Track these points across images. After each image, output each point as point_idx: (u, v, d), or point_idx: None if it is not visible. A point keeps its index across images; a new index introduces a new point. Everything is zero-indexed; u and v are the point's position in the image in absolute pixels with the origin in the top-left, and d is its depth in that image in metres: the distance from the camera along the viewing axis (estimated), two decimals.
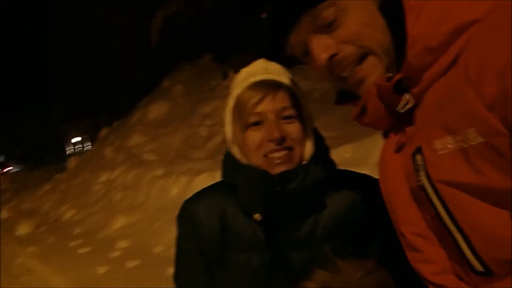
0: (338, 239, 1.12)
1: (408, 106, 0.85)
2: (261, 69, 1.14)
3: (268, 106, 1.08)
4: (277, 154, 1.09)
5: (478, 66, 0.70)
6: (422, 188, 0.81)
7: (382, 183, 0.95)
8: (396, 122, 0.91)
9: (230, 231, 1.15)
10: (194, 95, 10.73)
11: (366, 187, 1.15)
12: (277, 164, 1.09)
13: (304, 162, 1.12)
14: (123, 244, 5.97)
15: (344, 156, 4.26)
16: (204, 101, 9.80)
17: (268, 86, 1.10)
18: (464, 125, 0.71)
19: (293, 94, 1.12)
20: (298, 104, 1.12)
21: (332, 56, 0.86)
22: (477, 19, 0.74)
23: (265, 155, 1.09)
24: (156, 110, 11.37)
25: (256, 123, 1.09)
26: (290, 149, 1.09)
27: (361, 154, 4.01)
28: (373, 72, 0.86)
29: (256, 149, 1.10)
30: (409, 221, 0.89)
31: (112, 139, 12.40)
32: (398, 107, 0.85)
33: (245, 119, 1.10)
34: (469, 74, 0.71)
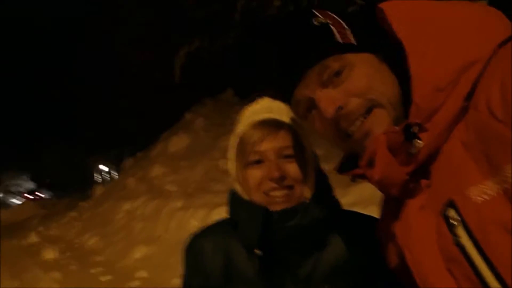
0: (338, 281, 1.11)
1: (420, 146, 0.80)
2: (265, 108, 1.16)
3: (269, 145, 1.10)
4: (277, 193, 1.09)
5: (502, 100, 0.68)
6: (460, 246, 0.74)
7: (406, 251, 0.86)
8: (411, 184, 0.86)
9: (233, 267, 1.16)
10: (215, 129, 10.82)
11: (371, 230, 1.11)
12: (277, 202, 1.10)
13: (304, 201, 1.12)
14: (142, 274, 6.08)
15: (363, 194, 4.21)
16: (225, 135, 9.81)
17: (270, 126, 1.11)
18: (502, 162, 0.68)
19: (295, 133, 1.13)
20: (300, 143, 1.13)
21: (338, 109, 0.85)
22: (480, 58, 0.76)
23: (265, 193, 1.10)
24: (177, 142, 11.47)
25: (257, 162, 1.11)
26: (290, 188, 1.10)
27: (380, 192, 3.88)
28: (380, 124, 0.84)
29: (257, 186, 1.11)
30: None
31: (135, 170, 12.50)
32: (411, 149, 0.81)
33: (246, 157, 1.12)
34: (494, 111, 0.69)
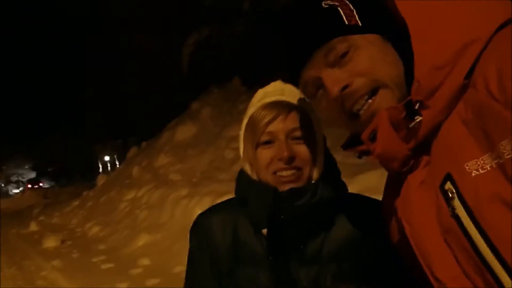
0: (345, 260, 1.12)
1: (418, 120, 0.83)
2: (277, 90, 1.17)
3: (279, 126, 1.11)
4: (285, 173, 1.10)
5: (499, 80, 0.71)
6: (457, 218, 0.77)
7: (407, 224, 0.89)
8: (412, 160, 0.88)
9: (241, 244, 1.16)
10: (222, 118, 10.86)
11: (376, 212, 1.13)
12: (285, 182, 1.11)
13: (312, 182, 1.13)
14: (145, 262, 6.03)
15: (368, 184, 4.19)
16: (231, 124, 9.86)
17: (281, 107, 1.12)
18: (498, 138, 0.70)
19: (306, 115, 1.14)
20: (310, 126, 1.14)
21: (344, 88, 0.87)
22: (480, 38, 0.77)
23: (274, 173, 1.11)
24: (184, 131, 11.53)
25: (267, 142, 1.12)
26: (298, 169, 1.11)
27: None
28: (386, 104, 0.85)
29: (266, 166, 1.12)
30: (445, 264, 0.82)
31: (140, 159, 12.59)
32: (411, 124, 0.83)
33: (256, 137, 1.13)
34: (491, 90, 0.72)
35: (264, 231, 1.12)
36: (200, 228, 1.24)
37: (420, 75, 0.82)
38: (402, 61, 0.88)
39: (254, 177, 1.17)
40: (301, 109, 1.14)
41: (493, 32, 0.77)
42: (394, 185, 0.97)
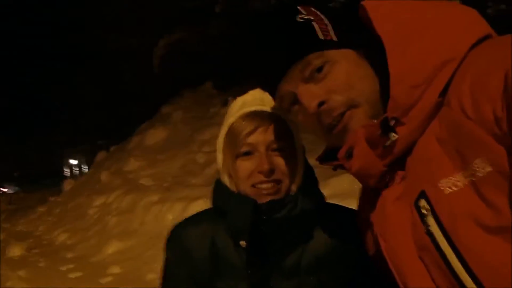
0: (323, 272, 1.12)
1: (394, 139, 0.84)
2: (257, 99, 1.16)
3: (260, 137, 1.10)
4: (265, 185, 1.10)
5: (472, 99, 0.72)
6: (431, 236, 0.78)
7: (382, 240, 0.90)
8: (388, 176, 0.90)
9: (219, 257, 1.14)
10: (193, 122, 10.78)
11: (353, 222, 1.14)
12: (264, 194, 1.10)
13: (292, 194, 1.13)
14: (115, 270, 5.89)
15: (341, 187, 4.26)
16: (203, 128, 9.82)
17: (262, 118, 1.11)
18: (472, 157, 0.72)
19: (286, 126, 1.13)
20: (290, 136, 1.14)
21: (320, 104, 0.88)
22: (455, 57, 0.79)
23: (253, 185, 1.11)
24: (154, 135, 11.39)
25: (247, 153, 1.11)
26: (278, 181, 1.10)
27: (358, 186, 3.95)
28: (357, 122, 0.87)
29: (245, 178, 1.11)
30: (420, 281, 0.83)
31: (109, 164, 12.36)
32: (387, 143, 0.85)
33: (236, 148, 1.11)
34: (465, 109, 0.73)
35: (243, 243, 1.09)
36: (176, 240, 1.21)
37: (396, 92, 0.82)
38: (378, 78, 0.89)
39: (233, 188, 1.16)
40: (282, 120, 1.13)
41: (467, 50, 0.79)
42: (369, 197, 0.98)
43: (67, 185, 14.56)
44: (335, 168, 0.98)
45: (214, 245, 1.16)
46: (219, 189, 1.19)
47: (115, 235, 7.33)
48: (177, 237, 1.21)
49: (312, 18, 0.91)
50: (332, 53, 0.89)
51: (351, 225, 1.14)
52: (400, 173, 0.88)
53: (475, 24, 0.85)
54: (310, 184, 1.18)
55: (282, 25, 0.94)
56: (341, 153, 0.88)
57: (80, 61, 15.79)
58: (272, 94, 0.99)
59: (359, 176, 0.90)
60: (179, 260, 1.19)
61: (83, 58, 15.40)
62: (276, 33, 0.94)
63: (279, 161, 1.11)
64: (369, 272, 1.09)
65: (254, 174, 1.10)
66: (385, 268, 0.90)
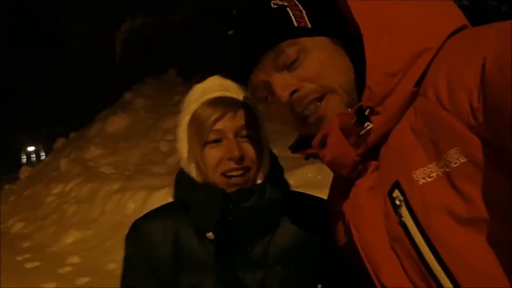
0: (290, 262, 1.11)
1: (368, 128, 0.84)
2: (218, 85, 1.14)
3: (228, 124, 1.08)
4: (235, 173, 1.08)
5: (448, 89, 0.72)
6: (404, 226, 0.78)
7: (354, 230, 0.90)
8: (361, 165, 0.89)
9: (183, 252, 1.11)
10: (156, 110, 10.60)
11: (320, 210, 1.15)
12: (234, 183, 1.08)
13: (259, 182, 1.12)
14: (74, 260, 5.78)
15: (306, 177, 4.32)
16: (166, 116, 9.66)
17: (228, 104, 1.09)
18: (446, 147, 0.72)
19: (252, 113, 1.12)
20: (256, 124, 1.13)
21: (293, 93, 0.88)
22: (432, 46, 0.79)
23: (223, 174, 1.08)
24: (116, 123, 11.12)
25: (215, 141, 1.08)
26: (247, 169, 1.09)
27: (322, 176, 4.05)
28: (333, 109, 0.87)
29: (214, 167, 1.08)
30: (392, 272, 0.83)
31: (68, 151, 12.03)
32: (362, 132, 0.85)
33: (204, 136, 1.08)
34: (441, 99, 0.73)
35: (210, 235, 1.07)
36: (138, 235, 1.16)
37: (372, 81, 0.82)
38: (353, 66, 0.89)
39: (199, 179, 1.12)
40: (248, 106, 1.11)
41: (443, 40, 0.79)
42: (340, 186, 0.98)
43: (23, 173, 14.08)
44: (307, 157, 0.97)
45: (177, 240, 1.12)
46: (182, 181, 1.15)
47: (74, 224, 7.18)
48: (138, 231, 1.16)
49: (286, 4, 0.90)
50: (306, 41, 0.88)
51: (318, 214, 1.14)
52: (373, 163, 0.88)
53: (451, 14, 0.85)
54: (276, 172, 1.17)
55: (255, 11, 0.92)
56: (315, 141, 0.87)
57: (38, 45, 15.20)
58: (245, 82, 0.98)
59: (332, 165, 0.89)
60: (140, 256, 1.15)
61: (42, 42, 14.84)
62: (250, 18, 0.93)
63: (248, 148, 1.09)
64: (337, 260, 1.11)
65: (223, 162, 1.07)
66: (356, 258, 0.90)
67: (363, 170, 0.89)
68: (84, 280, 4.88)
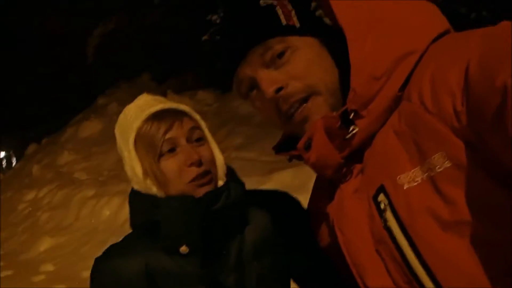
0: (263, 255, 1.13)
1: (354, 132, 0.84)
2: (151, 100, 1.12)
3: (178, 131, 1.06)
4: (200, 178, 1.06)
5: (432, 93, 0.72)
6: (389, 230, 0.78)
7: (339, 232, 0.89)
8: (345, 168, 0.90)
9: (159, 279, 1.07)
10: None
11: (279, 202, 1.20)
12: (201, 184, 1.06)
13: (221, 183, 1.11)
14: (48, 267, 5.71)
15: (283, 181, 4.29)
16: None
17: (172, 114, 1.08)
18: (431, 152, 0.72)
19: (193, 118, 1.12)
20: (200, 127, 1.13)
21: (279, 90, 0.87)
22: (416, 49, 0.80)
23: (189, 182, 1.06)
24: (89, 128, 11.03)
25: (170, 150, 1.06)
26: (208, 172, 1.08)
27: (300, 180, 4.04)
28: (317, 111, 0.87)
29: (177, 177, 1.05)
30: (376, 274, 0.83)
31: (41, 157, 11.84)
32: (346, 135, 0.85)
33: (157, 148, 1.05)
34: (425, 103, 0.73)
35: (183, 248, 1.04)
36: (108, 277, 1.09)
37: (356, 84, 0.82)
38: (338, 69, 0.88)
39: (161, 194, 1.08)
40: (187, 113, 1.11)
41: (428, 44, 0.80)
42: (324, 188, 0.99)
43: None
44: (290, 159, 0.98)
45: (150, 270, 1.07)
46: (140, 203, 1.10)
47: (47, 231, 7.09)
48: (108, 272, 1.09)
49: (275, 2, 0.89)
50: (294, 40, 0.88)
51: (278, 205, 1.19)
52: (357, 166, 0.88)
53: (435, 18, 0.85)
54: (232, 171, 1.17)
55: (244, 7, 0.92)
56: (300, 144, 0.87)
57: (8, 46, 14.83)
58: (231, 77, 0.96)
59: (316, 167, 0.89)
60: None
61: (12, 42, 14.48)
62: (238, 14, 0.93)
63: (203, 152, 1.08)
64: (306, 247, 1.14)
65: (184, 170, 1.05)
66: (340, 259, 0.91)
67: (348, 173, 0.90)
68: None
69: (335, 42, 0.88)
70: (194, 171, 1.05)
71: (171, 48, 10.43)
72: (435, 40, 0.81)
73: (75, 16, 12.47)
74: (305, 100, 0.87)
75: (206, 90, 9.76)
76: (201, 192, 1.06)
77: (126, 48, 11.93)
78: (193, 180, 1.05)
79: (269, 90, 0.88)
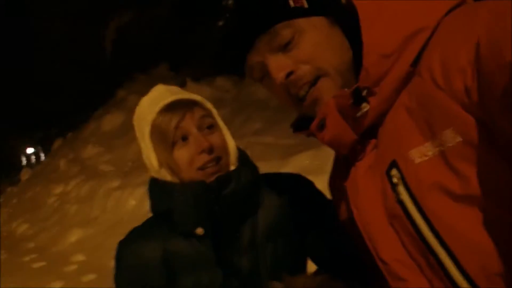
0: (278, 238, 1.15)
1: (365, 110, 0.84)
2: (165, 91, 1.15)
3: (189, 121, 1.10)
4: (210, 165, 1.10)
5: (443, 69, 0.72)
6: (401, 203, 0.80)
7: (354, 208, 0.91)
8: (359, 145, 0.90)
9: (176, 261, 1.12)
10: None
11: (293, 184, 1.23)
12: (211, 172, 1.10)
13: (233, 168, 1.15)
14: (78, 258, 5.86)
15: (302, 164, 4.28)
16: None
17: (183, 105, 1.11)
18: (441, 127, 0.73)
19: (205, 106, 1.15)
20: (211, 114, 1.16)
21: (288, 75, 0.88)
22: (427, 26, 0.79)
23: (200, 168, 1.10)
24: (111, 120, 11.18)
25: (182, 139, 1.10)
26: (219, 159, 1.11)
27: (319, 162, 4.03)
28: (326, 92, 0.86)
29: (188, 165, 1.09)
30: (390, 247, 0.85)
31: (66, 151, 12.07)
32: (358, 113, 0.85)
33: (169, 138, 1.09)
34: (436, 79, 0.73)
35: (199, 230, 1.09)
36: (130, 260, 1.15)
37: (368, 62, 0.82)
38: (351, 47, 0.88)
39: (175, 181, 1.12)
40: (199, 102, 1.14)
41: (439, 20, 0.79)
42: (342, 164, 1.01)
43: (24, 175, 14.17)
44: (308, 135, 0.97)
45: (168, 253, 1.12)
46: (156, 190, 1.15)
47: (76, 224, 7.24)
48: (129, 255, 1.15)
49: None
50: (301, 22, 0.86)
51: (292, 187, 1.21)
52: (372, 141, 0.89)
53: None
54: (245, 156, 1.20)
55: None
56: (314, 125, 0.88)
57: (27, 46, 15.09)
58: (241, 65, 0.97)
59: (331, 145, 0.90)
60: (133, 281, 1.14)
61: (31, 42, 14.73)
62: (244, 1, 0.93)
63: (214, 139, 1.11)
64: (322, 228, 1.17)
65: (195, 157, 1.09)
66: (356, 234, 0.92)
67: (362, 149, 0.90)
68: (90, 277, 4.96)
69: (347, 20, 0.88)
70: (205, 158, 1.09)
71: (186, 37, 10.40)
72: (447, 13, 0.80)
73: (89, 13, 12.56)
74: (314, 82, 0.87)
75: (223, 77, 9.75)
76: (212, 178, 1.09)
77: (142, 40, 11.96)
78: (204, 166, 1.09)
79: (278, 75, 0.88)
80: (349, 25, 0.87)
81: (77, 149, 11.22)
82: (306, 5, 0.87)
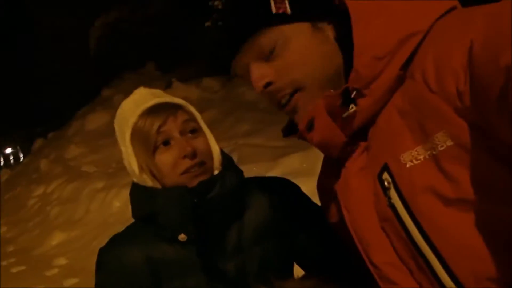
0: (265, 240, 1.14)
1: (352, 111, 0.84)
2: (146, 95, 1.14)
3: (172, 125, 1.08)
4: (192, 170, 1.08)
5: (436, 72, 0.73)
6: (393, 208, 0.80)
7: (345, 211, 0.91)
8: (349, 147, 0.90)
9: (160, 267, 1.09)
10: None
11: (279, 188, 1.22)
12: (194, 176, 1.08)
13: (216, 172, 1.13)
14: (60, 261, 5.71)
15: (291, 166, 4.31)
16: None
17: (166, 108, 1.09)
18: (433, 130, 0.73)
19: (188, 110, 1.14)
20: (195, 118, 1.14)
21: (267, 85, 0.88)
22: (421, 30, 0.79)
23: (182, 174, 1.08)
24: (95, 120, 11.07)
25: (164, 143, 1.08)
26: (202, 163, 1.09)
27: (309, 164, 4.06)
28: (302, 107, 0.88)
29: (171, 169, 1.08)
30: (381, 250, 0.86)
31: (48, 151, 11.93)
32: (345, 114, 0.84)
33: (151, 143, 1.07)
34: (428, 82, 0.74)
35: (182, 236, 1.06)
36: (112, 266, 1.11)
37: (359, 63, 0.82)
38: (343, 49, 0.87)
39: (157, 186, 1.10)
40: (181, 106, 1.13)
41: (431, 23, 0.79)
42: (331, 166, 1.00)
43: (3, 175, 13.93)
44: (299, 138, 0.97)
45: (151, 259, 1.09)
46: (138, 195, 1.13)
47: (58, 226, 7.10)
48: (111, 261, 1.12)
49: None
50: (285, 29, 0.86)
51: (278, 191, 1.20)
52: (362, 144, 0.89)
53: None
54: (229, 160, 1.18)
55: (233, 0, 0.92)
56: (302, 125, 0.88)
57: (10, 42, 14.83)
58: (227, 69, 0.98)
59: (321, 147, 0.91)
60: (113, 284, 1.11)
61: (13, 38, 14.48)
62: (229, 7, 0.93)
63: (197, 143, 1.10)
64: (309, 231, 1.17)
65: (178, 162, 1.07)
66: (347, 236, 0.92)
67: (352, 151, 0.90)
68: (72, 281, 4.84)
69: (337, 23, 0.88)
70: (188, 162, 1.07)
71: (174, 36, 10.35)
72: (440, 18, 0.80)
73: (76, 9, 12.43)
74: (291, 95, 0.88)
75: (211, 77, 9.74)
76: (195, 182, 1.07)
77: (128, 38, 11.89)
78: (186, 171, 1.07)
79: (258, 85, 0.88)
80: (340, 27, 0.87)
81: (60, 149, 11.11)
82: (289, 11, 0.85)
